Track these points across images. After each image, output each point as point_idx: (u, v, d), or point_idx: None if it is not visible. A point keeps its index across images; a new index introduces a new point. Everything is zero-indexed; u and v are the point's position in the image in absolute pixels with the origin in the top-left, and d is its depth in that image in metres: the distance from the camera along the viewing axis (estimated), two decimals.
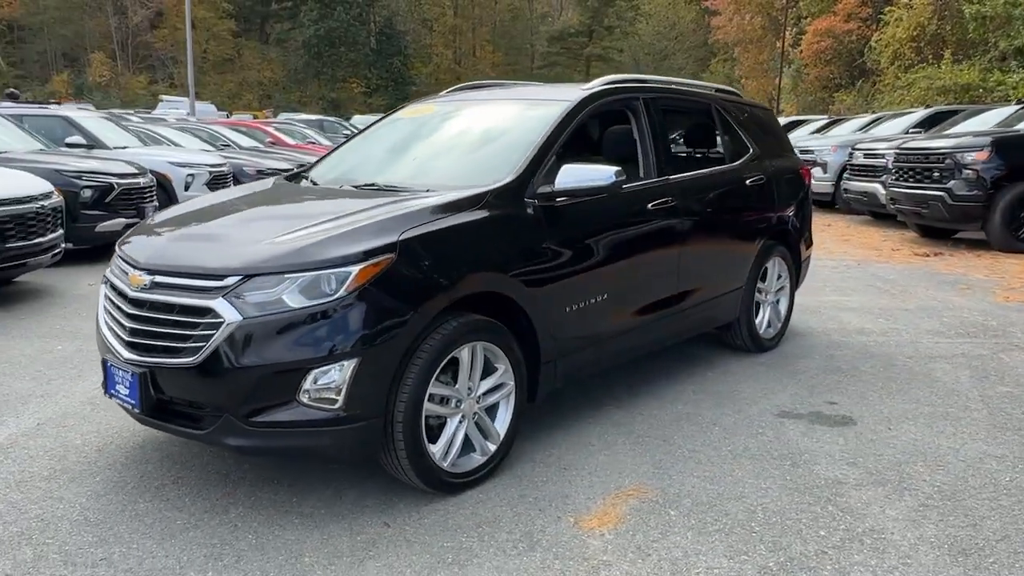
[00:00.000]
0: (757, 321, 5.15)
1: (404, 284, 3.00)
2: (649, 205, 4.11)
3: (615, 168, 3.63)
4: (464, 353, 3.20)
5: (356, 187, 3.83)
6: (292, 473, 3.43)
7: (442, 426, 3.23)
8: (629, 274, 4.03)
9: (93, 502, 3.18)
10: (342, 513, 3.12)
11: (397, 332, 2.94)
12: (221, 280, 2.91)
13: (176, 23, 50.97)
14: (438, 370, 3.08)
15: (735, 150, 5.13)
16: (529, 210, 3.50)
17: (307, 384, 2.85)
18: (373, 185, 3.80)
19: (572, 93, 4.11)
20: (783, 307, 5.42)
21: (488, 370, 3.35)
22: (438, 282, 3.09)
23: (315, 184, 4.13)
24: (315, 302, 2.85)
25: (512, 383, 3.40)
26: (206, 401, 2.97)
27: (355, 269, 2.89)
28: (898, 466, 3.56)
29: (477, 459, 3.32)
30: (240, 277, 2.89)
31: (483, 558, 2.81)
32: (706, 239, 4.60)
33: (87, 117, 11.85)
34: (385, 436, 3.00)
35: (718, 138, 5.15)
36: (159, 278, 3.06)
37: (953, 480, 3.43)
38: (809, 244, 5.74)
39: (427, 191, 3.49)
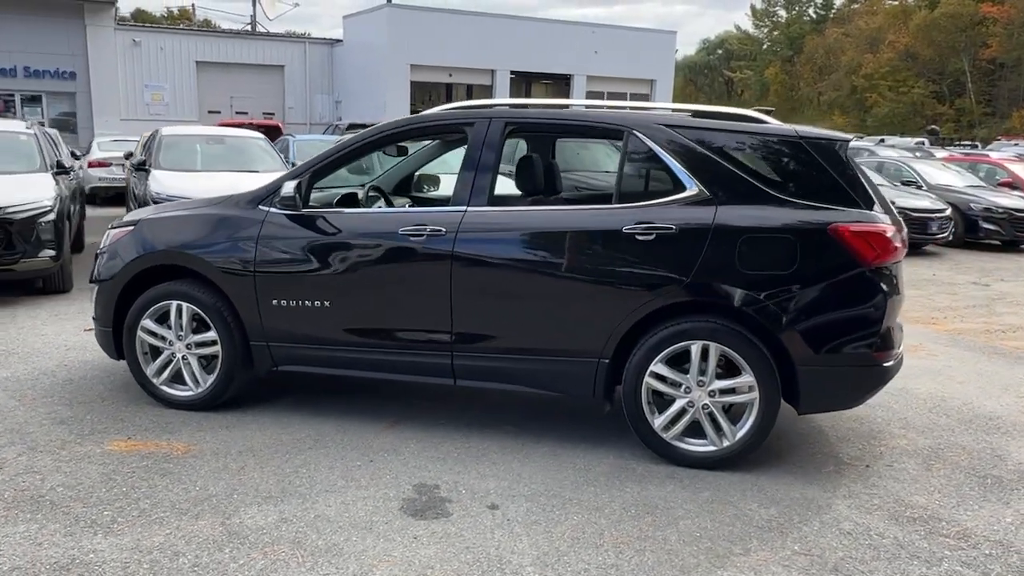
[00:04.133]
0: (658, 422, 3.94)
1: None
2: (400, 230, 4.16)
3: (293, 183, 4.18)
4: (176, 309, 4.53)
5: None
6: None
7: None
8: (362, 290, 4.25)
9: None
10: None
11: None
12: None
13: None
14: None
15: (653, 188, 4.01)
16: (268, 214, 4.37)
17: None
18: None
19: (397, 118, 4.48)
20: (749, 421, 3.85)
21: (199, 330, 4.50)
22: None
23: None
24: None
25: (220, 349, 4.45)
26: None
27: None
28: None
29: None
30: None
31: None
32: (510, 283, 4.04)
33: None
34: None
35: (622, 171, 4.07)
36: None
37: None
38: (881, 347, 3.79)
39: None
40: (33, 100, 32.09)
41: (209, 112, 34.94)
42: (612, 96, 35.71)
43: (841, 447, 4.31)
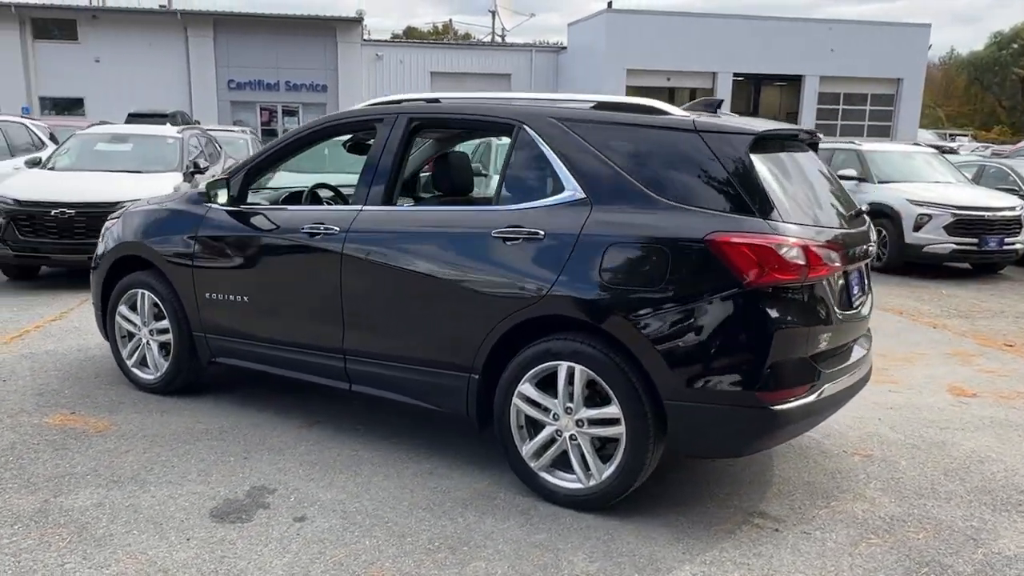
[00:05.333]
0: (527, 449, 3.54)
1: None
2: (304, 228, 4.11)
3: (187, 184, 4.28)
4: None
5: None
6: None
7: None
8: (273, 287, 4.25)
9: None
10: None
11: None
12: None
13: None
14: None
15: (535, 188, 3.59)
16: (208, 210, 4.54)
17: None
18: None
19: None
20: (616, 460, 3.35)
21: (158, 317, 4.77)
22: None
23: None
24: None
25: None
26: None
27: None
28: None
29: None
30: None
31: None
32: (386, 288, 3.83)
33: None
34: None
35: (506, 168, 3.65)
36: None
37: None
38: (768, 387, 3.09)
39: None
40: (290, 113, 35.99)
41: None
42: (849, 99, 32.91)
43: (769, 502, 3.58)
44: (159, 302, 4.69)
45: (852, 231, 3.55)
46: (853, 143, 12.07)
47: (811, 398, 3.19)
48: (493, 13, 45.02)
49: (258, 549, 3.06)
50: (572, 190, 3.43)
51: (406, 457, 3.97)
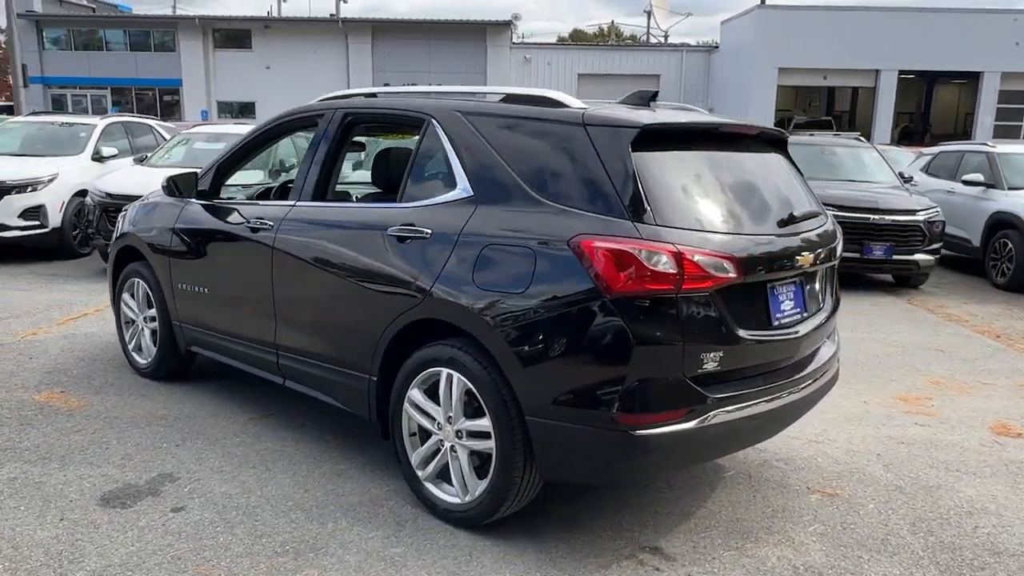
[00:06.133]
0: (416, 457, 3.39)
1: None
2: (249, 222, 4.16)
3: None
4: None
5: None
6: None
7: None
8: (222, 281, 4.34)
9: None
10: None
11: None
12: None
13: None
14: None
15: (435, 184, 3.43)
16: (186, 204, 4.72)
17: None
18: None
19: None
20: (488, 477, 3.14)
21: (151, 305, 5.00)
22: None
23: None
24: None
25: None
26: None
27: None
28: None
29: None
30: None
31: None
32: (304, 283, 3.80)
33: None
34: None
35: (412, 164, 3.49)
36: None
37: None
38: (628, 409, 2.76)
39: None
40: None
41: None
42: None
43: (674, 537, 3.22)
44: (149, 291, 4.91)
45: (781, 240, 3.12)
46: (986, 144, 10.79)
47: (688, 425, 2.82)
48: (648, 13, 44.30)
49: (114, 535, 3.10)
50: (463, 187, 3.25)
51: (328, 456, 3.91)
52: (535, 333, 2.89)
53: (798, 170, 3.75)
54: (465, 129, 3.32)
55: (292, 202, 3.98)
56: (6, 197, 8.96)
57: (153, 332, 4.97)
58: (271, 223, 3.97)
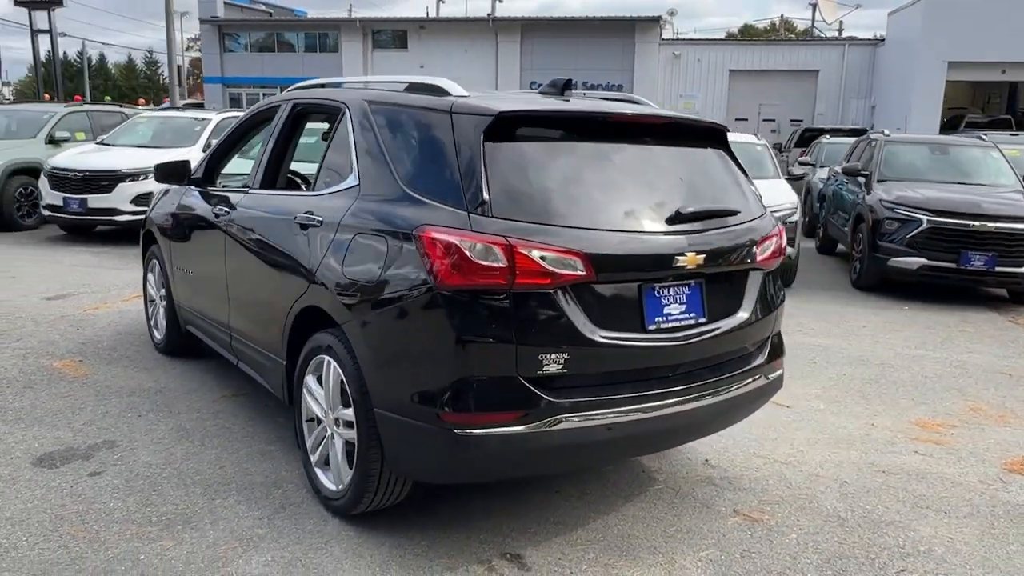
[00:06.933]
0: (310, 442, 3.44)
1: None
2: (215, 208, 4.36)
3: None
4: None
5: None
6: None
7: None
8: (198, 263, 4.58)
9: None
10: None
11: None
12: None
13: None
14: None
15: (341, 173, 3.43)
16: (186, 191, 5.02)
17: None
18: None
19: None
20: (354, 467, 3.14)
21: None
22: None
23: None
24: None
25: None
26: None
27: None
28: None
29: None
30: None
31: None
32: (242, 268, 3.93)
33: None
34: None
35: (325, 153, 3.50)
36: None
37: None
38: (453, 407, 2.66)
39: None
40: None
41: (736, 120, 35.60)
42: None
43: (545, 547, 3.06)
44: (162, 272, 5.25)
45: (661, 239, 2.89)
46: None
47: (521, 428, 2.67)
48: (813, 6, 42.04)
49: (23, 492, 3.35)
50: (353, 176, 3.25)
51: (265, 437, 4.03)
52: (382, 325, 2.85)
53: (739, 166, 3.46)
54: (366, 118, 3.32)
55: (246, 190, 4.12)
56: (120, 185, 9.83)
57: (165, 310, 5.31)
58: (227, 210, 4.14)
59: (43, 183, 10.18)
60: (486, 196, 2.68)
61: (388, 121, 3.19)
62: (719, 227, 3.08)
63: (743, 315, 3.19)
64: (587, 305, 2.74)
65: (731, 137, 3.79)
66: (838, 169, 10.45)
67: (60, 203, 9.95)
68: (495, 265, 2.60)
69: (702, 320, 3.04)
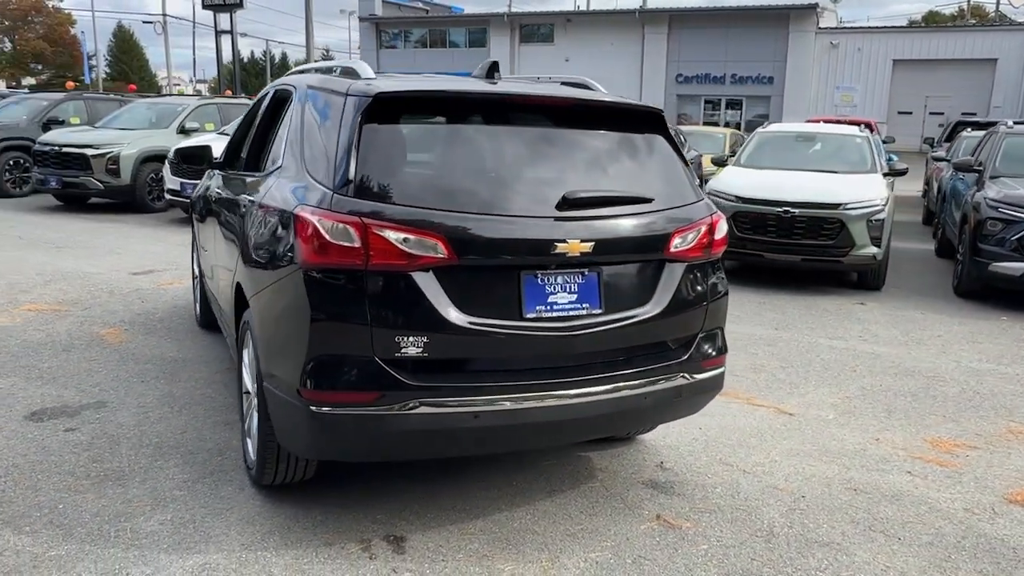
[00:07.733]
0: (244, 415, 3.61)
1: None
2: (211, 192, 4.62)
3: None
4: None
5: None
6: None
7: None
8: (206, 244, 4.86)
9: None
10: None
11: None
12: None
13: None
14: None
15: (278, 154, 3.53)
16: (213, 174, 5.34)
17: None
18: None
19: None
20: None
21: None
22: None
23: None
24: None
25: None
26: None
27: None
28: None
29: None
30: None
31: None
32: (216, 249, 4.17)
33: None
34: None
35: (277, 136, 3.60)
36: None
37: None
38: (312, 385, 2.69)
39: None
40: (732, 106, 35.62)
41: (899, 113, 33.28)
42: None
43: (436, 532, 3.03)
44: (194, 250, 5.63)
45: (542, 225, 2.78)
46: None
47: (376, 409, 2.66)
48: None
49: (9, 443, 3.70)
50: (281, 158, 3.35)
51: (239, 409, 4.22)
52: (269, 302, 2.94)
53: (677, 151, 3.26)
54: (299, 102, 3.41)
55: (235, 172, 4.33)
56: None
57: (199, 287, 5.68)
58: (218, 192, 4.38)
59: (166, 169, 11.10)
60: (352, 176, 2.69)
61: (312, 104, 3.26)
62: (618, 215, 2.92)
63: (652, 308, 3.01)
64: (452, 289, 2.69)
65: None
66: (954, 164, 9.54)
67: (178, 187, 10.80)
68: (350, 245, 2.61)
69: (596, 311, 2.90)
